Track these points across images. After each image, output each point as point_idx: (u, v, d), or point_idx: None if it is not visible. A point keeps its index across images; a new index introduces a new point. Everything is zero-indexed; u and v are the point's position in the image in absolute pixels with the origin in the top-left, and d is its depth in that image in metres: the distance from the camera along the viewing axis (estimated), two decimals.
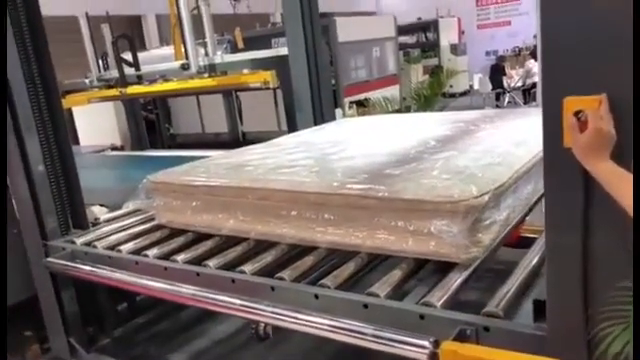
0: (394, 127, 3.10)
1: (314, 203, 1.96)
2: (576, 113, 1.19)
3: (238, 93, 7.33)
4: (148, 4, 12.62)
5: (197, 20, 5.60)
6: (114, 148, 7.06)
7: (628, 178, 1.13)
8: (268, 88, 4.87)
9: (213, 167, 2.39)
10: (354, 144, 2.59)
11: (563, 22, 1.20)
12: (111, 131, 7.58)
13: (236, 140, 6.98)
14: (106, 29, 6.29)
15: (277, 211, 2.06)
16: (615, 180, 1.15)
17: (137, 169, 4.54)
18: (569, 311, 1.31)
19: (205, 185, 2.21)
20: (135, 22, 12.87)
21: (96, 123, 7.67)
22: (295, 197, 2.00)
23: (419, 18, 13.59)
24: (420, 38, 13.69)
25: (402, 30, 12.27)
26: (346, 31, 11.24)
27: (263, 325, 1.84)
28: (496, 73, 12.81)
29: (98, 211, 2.95)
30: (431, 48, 13.35)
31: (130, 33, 9.09)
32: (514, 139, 2.31)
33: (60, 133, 2.65)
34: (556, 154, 1.25)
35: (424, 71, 12.66)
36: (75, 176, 2.71)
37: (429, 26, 13.31)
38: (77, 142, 7.68)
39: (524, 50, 13.90)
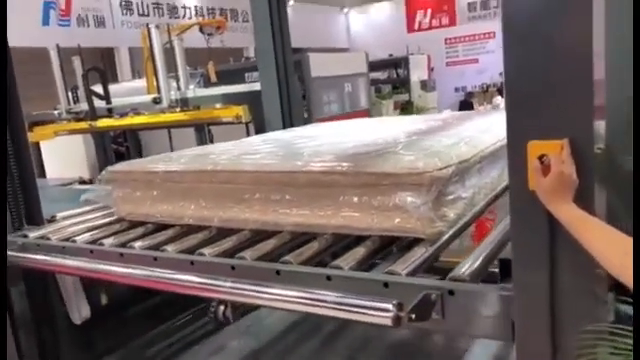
0: (367, 126, 3.09)
1: (278, 183, 1.91)
2: (539, 157, 1.23)
3: (210, 127, 7.33)
4: (121, 37, 12.67)
5: (170, 53, 5.63)
6: (82, 181, 6.90)
7: (590, 222, 1.17)
8: (240, 122, 4.88)
9: (175, 156, 2.33)
10: (325, 138, 2.56)
11: (526, 69, 1.24)
12: (79, 164, 7.43)
13: None
14: (77, 62, 6.27)
15: (240, 195, 2.00)
16: (577, 223, 1.18)
17: None
18: (538, 349, 1.31)
19: (166, 171, 2.14)
20: (107, 54, 12.84)
21: (64, 156, 7.52)
22: (258, 178, 1.94)
23: (390, 55, 13.93)
24: (391, 74, 13.98)
25: (374, 66, 12.53)
26: (319, 66, 11.43)
27: (222, 308, 1.75)
28: (465, 109, 13.14)
29: None
30: (402, 84, 13.63)
31: (102, 65, 9.06)
32: (480, 128, 2.33)
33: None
34: (522, 195, 1.28)
35: (395, 106, 12.88)
36: (31, 173, 2.61)
37: (400, 62, 13.63)
38: (44, 175, 7.49)
39: (491, 87, 14.35)
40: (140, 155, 8.13)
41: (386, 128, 2.70)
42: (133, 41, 10.47)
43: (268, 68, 3.78)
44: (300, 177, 1.86)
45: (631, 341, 1.19)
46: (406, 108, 12.92)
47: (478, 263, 1.54)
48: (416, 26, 15.90)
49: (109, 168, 2.33)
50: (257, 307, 2.80)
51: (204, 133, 7.43)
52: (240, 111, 4.35)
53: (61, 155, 7.55)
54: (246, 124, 5.97)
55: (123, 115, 5.76)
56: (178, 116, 5.14)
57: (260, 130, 4.42)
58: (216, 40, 12.16)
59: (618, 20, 2.41)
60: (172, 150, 7.72)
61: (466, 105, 13.38)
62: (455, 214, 1.77)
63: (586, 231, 1.15)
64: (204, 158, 2.21)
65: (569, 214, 1.18)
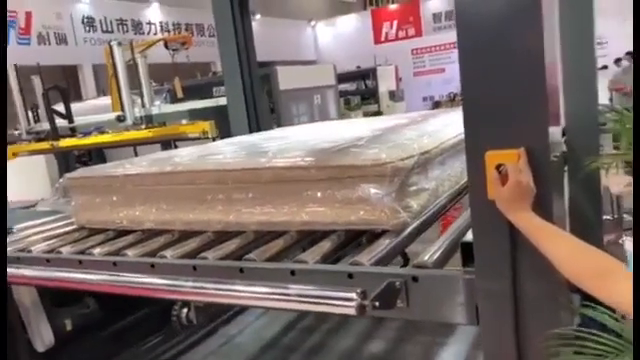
0: (333, 126, 3.09)
1: (241, 181, 1.88)
2: (497, 167, 1.25)
3: (177, 143, 7.24)
4: (84, 54, 12.49)
5: (135, 70, 5.56)
6: None
7: (549, 230, 1.19)
8: (207, 138, 4.84)
9: (136, 160, 2.28)
10: (290, 138, 2.54)
11: (481, 80, 1.27)
12: (42, 185, 7.24)
13: None
14: (37, 80, 6.13)
15: (202, 196, 1.96)
16: (536, 231, 1.20)
17: None
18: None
19: (125, 175, 2.09)
20: (71, 72, 12.63)
21: (26, 177, 7.31)
22: (221, 176, 1.90)
23: (358, 66, 14.08)
24: (360, 85, 14.12)
25: (342, 78, 12.66)
26: (287, 79, 11.47)
27: (185, 310, 1.69)
28: None
29: None
30: (370, 95, 13.78)
31: (65, 83, 8.88)
32: (444, 123, 2.34)
33: None
34: (481, 205, 1.30)
35: (364, 117, 12.99)
36: None
37: (368, 74, 13.78)
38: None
39: (458, 95, 14.60)
40: None
41: (352, 128, 2.70)
42: (97, 58, 10.32)
43: (234, 83, 3.75)
44: (263, 174, 1.83)
45: (597, 346, 1.23)
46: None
47: (441, 250, 1.53)
48: (383, 37, 16.14)
49: (67, 175, 2.26)
50: (224, 310, 2.74)
51: (170, 149, 7.33)
52: (207, 127, 4.32)
53: (22, 176, 7.33)
54: (213, 139, 5.94)
55: (86, 134, 5.64)
56: (143, 134, 5.07)
57: None
58: (182, 55, 12.08)
59: (572, 29, 2.49)
60: None
61: None
62: (419, 205, 1.76)
63: (545, 239, 1.17)
64: (164, 161, 2.16)
65: (528, 222, 1.20)
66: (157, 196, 2.04)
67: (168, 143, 7.08)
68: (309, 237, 1.88)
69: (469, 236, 1.41)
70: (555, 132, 1.38)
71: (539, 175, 1.22)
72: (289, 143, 2.22)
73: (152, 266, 1.77)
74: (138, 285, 1.69)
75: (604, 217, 2.84)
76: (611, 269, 1.04)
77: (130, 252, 1.88)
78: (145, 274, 1.74)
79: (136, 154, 7.58)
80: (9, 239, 2.31)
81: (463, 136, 1.46)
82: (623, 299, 0.98)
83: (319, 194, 1.76)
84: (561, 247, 1.14)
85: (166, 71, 9.72)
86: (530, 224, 1.19)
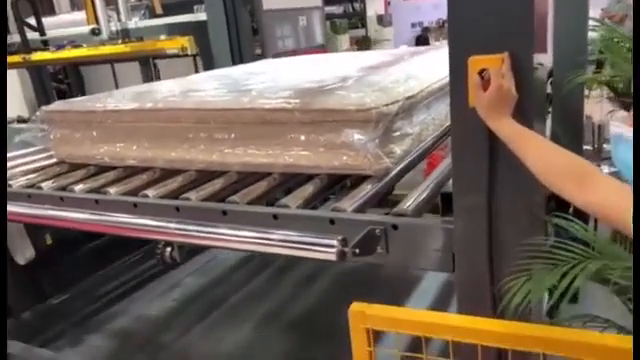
0: (319, 61, 3.01)
1: (224, 122, 1.85)
2: (480, 72, 1.21)
3: (156, 61, 7.01)
4: None
5: None
6: (21, 120, 6.55)
7: (529, 136, 1.17)
8: (187, 55, 4.66)
9: (116, 94, 2.22)
10: (273, 74, 2.48)
11: None
12: (17, 102, 7.04)
13: None
14: None
15: (184, 134, 1.93)
16: (516, 137, 1.17)
17: None
18: (476, 270, 1.33)
19: (105, 110, 2.04)
20: None
21: None
22: (203, 116, 1.87)
23: None
24: (347, 8, 13.63)
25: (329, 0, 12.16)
26: None
27: (169, 249, 1.73)
28: (421, 44, 13.03)
29: None
30: (358, 19, 13.35)
31: None
32: (430, 62, 2.30)
33: None
34: (462, 114, 1.26)
35: (351, 42, 12.66)
36: None
37: None
38: None
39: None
40: (83, 92, 7.75)
41: (338, 64, 2.63)
42: None
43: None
44: (246, 114, 1.80)
45: (567, 254, 1.26)
46: (362, 43, 12.70)
47: (421, 198, 1.56)
48: None
49: (44, 108, 2.19)
50: (206, 247, 2.81)
51: (149, 68, 7.11)
52: (185, 42, 4.14)
53: None
54: (194, 57, 5.74)
55: (60, 47, 5.40)
56: (119, 48, 4.87)
57: (208, 64, 4.27)
58: None
59: None
60: (117, 87, 7.47)
61: (422, 41, 13.25)
62: (402, 150, 1.77)
63: (525, 146, 1.16)
64: (145, 96, 2.11)
65: (508, 129, 1.19)
66: (138, 133, 2.01)
67: (146, 61, 6.87)
68: (292, 179, 1.89)
69: (449, 186, 1.43)
70: (542, 59, 1.35)
71: (522, 81, 1.21)
72: (273, 80, 2.17)
73: (135, 205, 1.77)
74: (121, 225, 1.70)
75: (584, 147, 2.90)
76: (589, 174, 1.04)
77: (112, 190, 1.88)
78: (128, 214, 1.75)
79: (114, 72, 7.38)
80: None
81: (449, 79, 1.45)
82: (599, 202, 0.99)
83: (303, 137, 1.75)
84: (539, 152, 1.14)
85: None
86: (509, 130, 1.19)
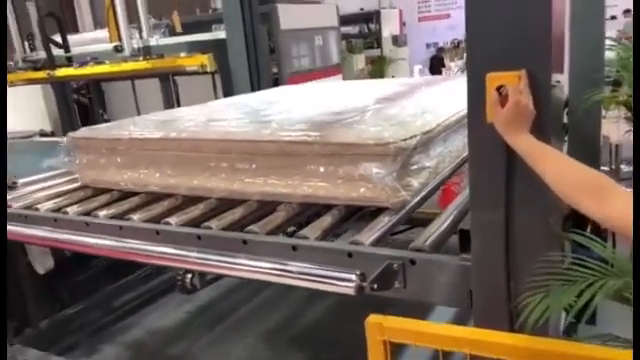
0: (335, 90, 3.07)
1: (245, 152, 1.90)
2: (497, 88, 1.24)
3: (175, 78, 7.14)
4: None
5: (134, 3, 5.40)
6: (43, 134, 6.70)
7: (546, 151, 1.19)
8: (206, 72, 4.77)
9: (140, 122, 2.28)
10: (291, 103, 2.54)
11: (486, 2, 1.24)
12: (40, 116, 7.21)
13: None
14: (32, 8, 5.95)
15: (206, 163, 1.99)
16: (533, 152, 1.19)
17: None
18: (493, 286, 1.34)
19: (130, 138, 2.10)
20: (67, 3, 12.23)
21: (23, 108, 7.25)
22: (225, 146, 1.93)
23: (361, 9, 13.67)
24: (362, 29, 13.78)
25: (345, 20, 12.30)
26: (289, 18, 11.13)
27: (190, 276, 1.76)
28: (436, 65, 13.11)
29: None
30: (373, 39, 13.47)
31: (61, 14, 8.62)
32: (446, 95, 2.34)
33: None
34: (480, 129, 1.29)
35: (366, 62, 12.77)
36: None
37: (371, 17, 13.40)
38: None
39: (463, 42, 14.29)
40: (104, 107, 7.91)
41: (354, 93, 2.69)
42: None
43: (234, 16, 3.74)
44: (267, 146, 1.85)
45: (586, 271, 1.25)
46: (377, 63, 12.81)
47: (438, 233, 1.58)
48: None
49: (71, 134, 2.26)
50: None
51: (169, 84, 7.25)
52: (205, 60, 4.21)
53: (20, 107, 7.29)
54: (212, 74, 5.85)
55: (83, 64, 5.55)
56: (141, 65, 4.99)
57: (227, 81, 4.34)
58: None
59: None
60: (136, 102, 7.59)
61: (437, 61, 13.33)
62: (419, 183, 1.80)
63: (542, 161, 1.17)
64: (168, 124, 2.17)
65: (526, 144, 1.20)
66: (161, 160, 2.07)
67: (166, 77, 7.01)
68: (311, 208, 1.92)
69: (467, 222, 1.46)
70: (560, 79, 1.37)
71: (539, 98, 1.23)
72: (291, 110, 2.23)
73: (157, 233, 1.82)
74: (144, 253, 1.75)
75: (602, 168, 2.89)
76: (607, 187, 1.04)
77: (135, 216, 1.93)
78: (150, 241, 1.80)
79: (134, 88, 7.52)
80: (14, 194, 2.35)
81: (466, 111, 1.50)
82: (617, 215, 0.99)
83: (321, 169, 1.79)
84: (556, 166, 1.15)
85: (165, 6, 9.45)
86: (527, 145, 1.20)
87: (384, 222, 1.68)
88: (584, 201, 1.06)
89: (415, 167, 1.79)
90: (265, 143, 1.85)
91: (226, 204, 1.99)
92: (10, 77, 5.94)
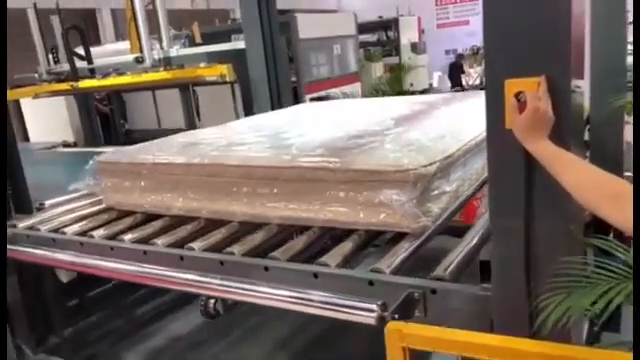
0: (354, 109, 3.09)
1: (266, 178, 1.93)
2: (516, 94, 1.24)
3: (195, 88, 7.23)
4: None
5: (154, 15, 5.51)
6: (66, 145, 6.84)
7: (566, 157, 1.19)
8: (225, 82, 4.82)
9: (163, 145, 2.33)
10: (311, 124, 2.57)
11: (504, 7, 1.24)
12: (63, 127, 7.35)
13: None
14: (56, 21, 6.11)
15: (228, 188, 2.02)
16: (553, 159, 1.19)
17: None
18: (514, 290, 1.34)
19: (153, 163, 2.15)
20: (89, 16, 12.50)
21: (47, 119, 7.42)
22: (246, 172, 1.96)
23: (380, 16, 13.68)
24: (381, 36, 13.78)
25: (363, 28, 12.34)
26: (307, 28, 11.22)
27: (213, 301, 1.80)
28: (455, 71, 13.04)
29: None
30: (392, 46, 13.47)
31: (84, 27, 8.83)
32: (466, 116, 2.34)
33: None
34: (498, 136, 1.29)
35: (385, 69, 12.77)
36: (18, 160, 2.60)
37: (389, 24, 13.40)
38: (27, 139, 7.39)
39: (482, 49, 14.20)
40: (124, 117, 8.03)
41: (373, 113, 2.70)
42: (116, 2, 10.18)
43: (253, 26, 3.75)
44: (288, 172, 1.88)
45: (608, 273, 1.24)
46: (395, 69, 12.80)
47: (458, 262, 1.58)
48: None
49: (97, 158, 2.32)
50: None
51: (189, 94, 7.36)
52: (224, 70, 4.26)
53: (44, 118, 7.45)
54: (231, 84, 5.91)
55: (105, 75, 5.66)
56: (161, 75, 5.06)
57: (246, 91, 4.36)
58: (201, 1, 11.86)
59: None
60: (157, 112, 7.68)
61: (456, 67, 13.26)
62: (439, 208, 1.80)
63: (562, 167, 1.17)
64: (191, 148, 2.21)
65: (545, 150, 1.20)
66: (184, 184, 2.11)
67: (186, 87, 7.09)
68: (331, 232, 1.94)
69: (486, 252, 1.46)
70: (580, 84, 1.35)
71: (558, 104, 1.22)
72: (312, 133, 2.25)
73: (181, 258, 1.85)
74: (168, 279, 1.78)
75: (625, 174, 2.84)
76: (627, 193, 1.03)
77: (159, 241, 1.97)
78: (174, 266, 1.83)
79: (154, 99, 7.62)
80: (41, 216, 2.41)
81: (485, 134, 1.51)
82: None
83: (342, 194, 1.81)
84: (575, 172, 1.15)
85: (185, 18, 9.59)
86: (547, 152, 1.19)
87: (404, 248, 1.69)
88: (604, 207, 1.06)
89: (435, 192, 1.80)
90: (286, 169, 1.88)
91: (248, 225, 2.02)
92: (35, 89, 6.10)
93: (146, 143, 2.46)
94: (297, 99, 9.74)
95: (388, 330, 1.24)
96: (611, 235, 1.40)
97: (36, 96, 6.21)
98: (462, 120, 2.27)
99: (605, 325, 1.17)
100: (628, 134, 2.78)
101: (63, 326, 3.05)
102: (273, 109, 3.75)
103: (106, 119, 7.92)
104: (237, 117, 6.52)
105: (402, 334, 1.23)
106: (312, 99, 10.73)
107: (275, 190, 1.93)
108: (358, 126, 2.33)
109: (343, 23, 12.07)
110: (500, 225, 1.34)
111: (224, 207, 2.04)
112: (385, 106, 3.00)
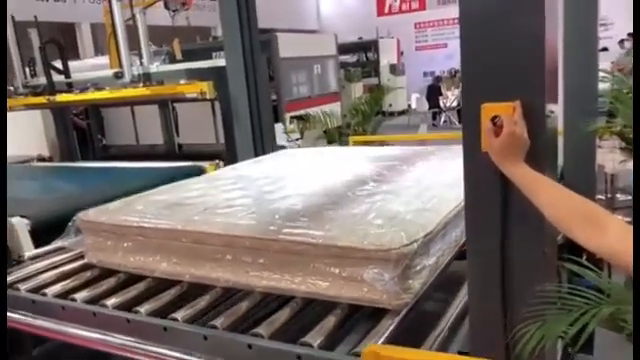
0: (333, 162, 3.14)
1: (249, 248, 1.96)
2: (492, 118, 1.28)
3: (175, 104, 7.20)
4: (82, 12, 12.20)
5: (134, 31, 5.49)
6: (41, 159, 6.71)
7: (541, 180, 1.22)
8: (205, 99, 4.82)
9: (147, 205, 2.34)
10: (294, 182, 2.62)
11: (481, 32, 1.29)
12: (38, 141, 7.23)
13: (172, 152, 6.82)
14: (34, 34, 6.03)
15: (212, 254, 2.04)
16: (529, 182, 1.23)
17: (65, 181, 4.35)
18: (489, 315, 1.38)
19: (137, 226, 2.16)
20: (68, 30, 12.37)
21: (21, 132, 7.29)
22: (230, 241, 1.99)
23: (360, 38, 13.89)
24: (361, 57, 14.01)
25: (343, 49, 12.52)
26: (288, 47, 11.32)
27: None
28: (433, 93, 13.29)
29: (17, 222, 2.74)
30: (371, 67, 13.67)
31: (63, 41, 8.74)
32: (446, 182, 2.41)
33: None
34: (475, 158, 1.33)
35: (364, 90, 12.95)
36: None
37: (369, 46, 13.64)
38: None
39: (459, 72, 14.47)
40: (102, 132, 7.93)
41: (354, 170, 2.77)
42: (95, 17, 10.11)
43: (234, 44, 3.78)
44: (272, 244, 1.91)
45: (581, 300, 1.28)
46: (374, 90, 12.98)
47: (440, 341, 1.64)
48: (386, 9, 15.81)
49: (80, 216, 2.32)
50: None
51: (168, 110, 7.30)
52: (205, 87, 4.25)
53: (18, 131, 7.30)
54: (212, 101, 5.90)
55: (83, 90, 5.60)
56: (140, 91, 5.02)
57: (226, 109, 4.35)
58: (182, 18, 11.82)
59: (575, 9, 2.49)
60: (135, 128, 7.59)
61: (434, 90, 13.51)
62: (419, 284, 1.85)
63: (537, 190, 1.20)
64: (176, 209, 2.23)
65: (521, 173, 1.24)
66: (168, 249, 2.13)
67: (165, 104, 7.05)
68: (314, 303, 1.98)
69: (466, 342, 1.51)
70: (554, 109, 1.38)
71: (534, 128, 1.26)
72: (295, 197, 2.30)
73: (164, 329, 1.86)
74: (151, 354, 1.79)
75: (597, 197, 2.90)
76: (601, 218, 1.07)
77: (143, 309, 1.97)
78: (157, 337, 1.84)
79: (133, 115, 7.55)
80: (21, 272, 2.39)
81: (464, 204, 1.56)
82: (611, 245, 1.01)
83: (325, 269, 1.85)
84: (552, 196, 1.17)
85: (165, 34, 9.56)
86: (522, 175, 1.23)
87: (386, 326, 1.73)
88: (578, 231, 1.09)
89: (416, 269, 1.85)
90: (269, 241, 1.91)
91: (232, 293, 2.05)
92: (10, 102, 5.98)
93: (127, 199, 2.46)
94: (277, 117, 9.75)
95: (365, 354, 1.23)
96: (584, 257, 1.44)
97: (11, 109, 6.08)
98: (442, 187, 2.34)
99: (579, 347, 1.22)
100: (599, 158, 2.85)
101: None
102: (252, 126, 3.73)
103: (83, 134, 7.79)
104: (216, 134, 6.50)
105: (379, 357, 1.23)
106: (292, 117, 10.79)
107: (259, 260, 1.96)
108: (340, 188, 2.39)
109: (324, 43, 12.21)
110: (476, 247, 1.37)
111: (207, 273, 2.06)
112: (365, 159, 3.05)
